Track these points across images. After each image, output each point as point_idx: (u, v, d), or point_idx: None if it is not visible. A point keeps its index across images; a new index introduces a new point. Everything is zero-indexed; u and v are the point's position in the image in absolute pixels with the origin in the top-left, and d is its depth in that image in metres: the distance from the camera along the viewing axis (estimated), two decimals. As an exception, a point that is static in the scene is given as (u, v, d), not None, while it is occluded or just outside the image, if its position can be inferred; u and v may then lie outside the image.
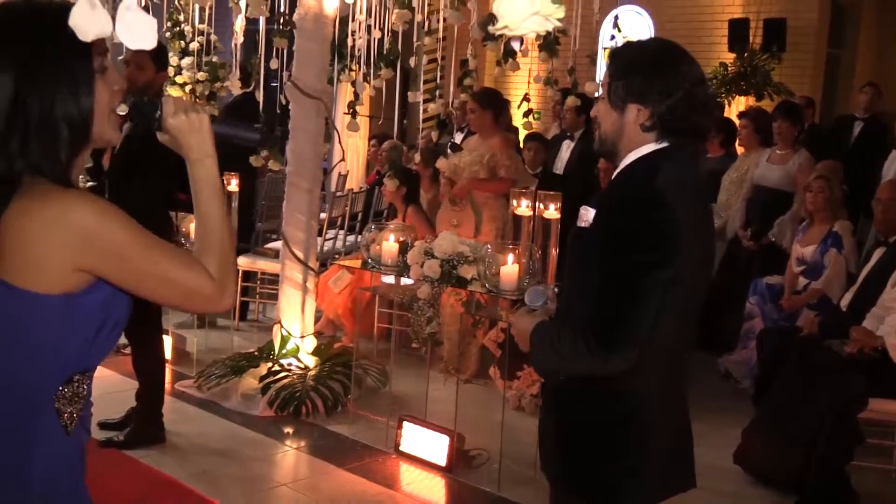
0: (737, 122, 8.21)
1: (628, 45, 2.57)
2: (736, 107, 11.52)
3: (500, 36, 5.85)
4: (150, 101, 1.86)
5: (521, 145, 8.40)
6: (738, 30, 12.76)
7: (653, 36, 2.56)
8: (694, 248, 2.30)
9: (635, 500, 2.43)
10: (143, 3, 7.53)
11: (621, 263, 2.23)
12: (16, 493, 1.73)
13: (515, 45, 6.01)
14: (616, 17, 12.80)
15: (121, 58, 5.56)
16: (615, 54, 2.43)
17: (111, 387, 5.77)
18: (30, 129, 1.68)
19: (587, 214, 2.34)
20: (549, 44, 6.11)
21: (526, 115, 7.08)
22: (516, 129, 8.74)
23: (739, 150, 7.83)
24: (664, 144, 2.34)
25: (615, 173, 2.43)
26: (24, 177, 1.67)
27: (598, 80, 13.97)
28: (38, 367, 1.72)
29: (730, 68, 12.60)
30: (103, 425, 5.12)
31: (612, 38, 13.76)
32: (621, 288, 2.23)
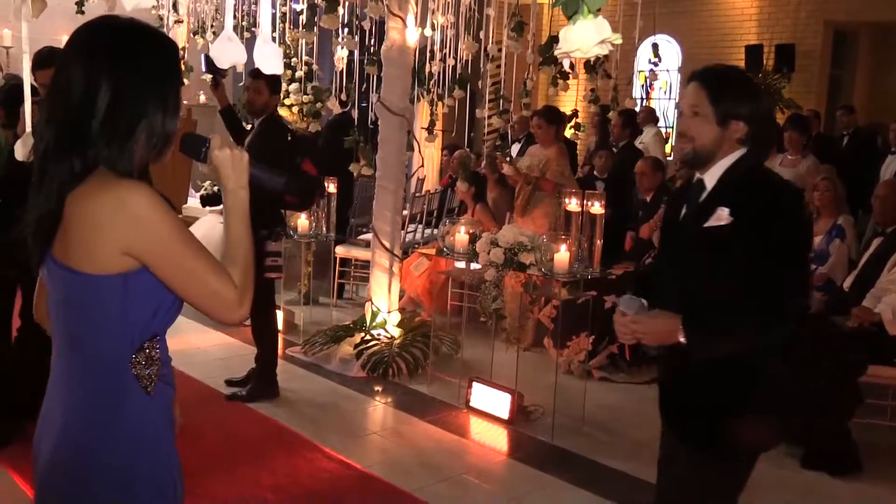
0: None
1: (725, 73, 2.45)
2: (751, 119, 11.30)
3: (555, 61, 5.82)
4: (200, 135, 1.76)
5: (587, 154, 8.37)
6: (753, 54, 12.54)
7: (726, 65, 2.49)
8: None
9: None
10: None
11: (790, 246, 2.25)
12: (102, 445, 1.65)
13: (566, 63, 5.95)
14: (655, 45, 12.65)
15: (241, 84, 5.64)
16: (711, 82, 2.36)
17: (235, 351, 5.89)
18: (117, 131, 1.60)
19: (723, 213, 2.27)
20: (596, 67, 6.07)
21: (574, 128, 7.03)
22: (566, 139, 8.66)
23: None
24: (744, 150, 2.34)
25: (712, 178, 2.36)
26: (97, 168, 1.60)
27: (635, 98, 13.68)
28: (107, 339, 1.64)
29: (746, 87, 12.36)
30: (229, 382, 5.22)
31: (651, 62, 13.54)
32: (793, 267, 2.26)
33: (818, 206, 5.92)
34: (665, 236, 2.69)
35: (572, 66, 6.14)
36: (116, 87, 1.59)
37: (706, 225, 2.30)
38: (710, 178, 2.36)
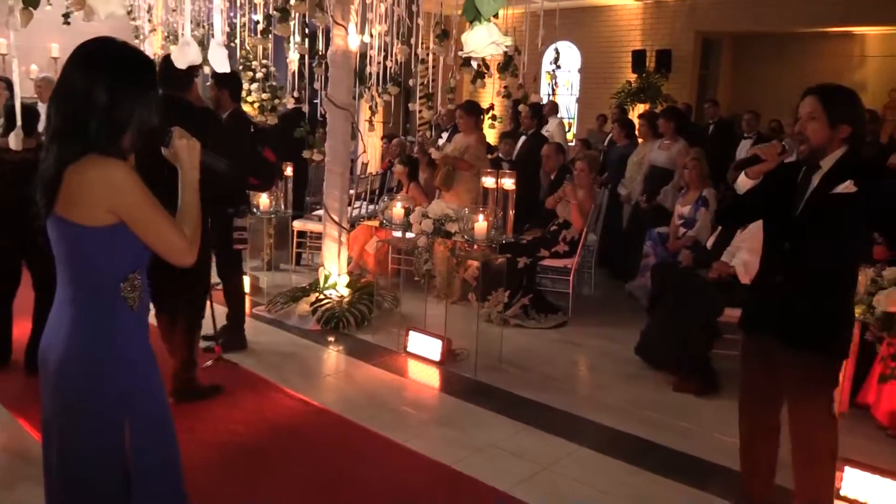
0: (636, 121, 8.20)
1: (836, 90, 2.70)
2: (636, 111, 11.50)
3: (470, 60, 5.84)
4: (166, 129, 1.94)
5: (497, 141, 8.37)
6: (638, 58, 12.73)
7: (835, 83, 2.88)
8: None
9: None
10: (224, 43, 7.45)
11: None
12: (104, 346, 1.85)
13: (474, 64, 5.97)
14: (556, 50, 12.71)
15: (207, 84, 5.53)
16: (825, 95, 2.66)
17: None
18: (112, 127, 1.78)
19: (849, 184, 2.59)
20: (509, 66, 6.09)
21: (492, 118, 7.07)
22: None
23: (640, 140, 7.82)
24: (846, 147, 2.65)
25: (827, 164, 2.67)
26: (92, 151, 1.78)
27: (541, 94, 13.69)
28: (102, 273, 1.83)
29: (633, 84, 12.58)
30: (205, 337, 5.12)
31: (551, 63, 13.58)
32: None
33: (687, 181, 6.09)
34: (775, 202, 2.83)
35: (487, 67, 6.16)
36: (111, 94, 1.76)
37: (833, 192, 2.62)
38: (826, 164, 2.68)
